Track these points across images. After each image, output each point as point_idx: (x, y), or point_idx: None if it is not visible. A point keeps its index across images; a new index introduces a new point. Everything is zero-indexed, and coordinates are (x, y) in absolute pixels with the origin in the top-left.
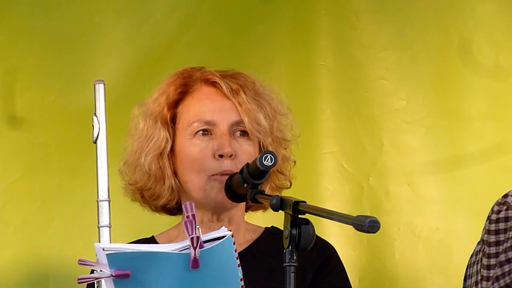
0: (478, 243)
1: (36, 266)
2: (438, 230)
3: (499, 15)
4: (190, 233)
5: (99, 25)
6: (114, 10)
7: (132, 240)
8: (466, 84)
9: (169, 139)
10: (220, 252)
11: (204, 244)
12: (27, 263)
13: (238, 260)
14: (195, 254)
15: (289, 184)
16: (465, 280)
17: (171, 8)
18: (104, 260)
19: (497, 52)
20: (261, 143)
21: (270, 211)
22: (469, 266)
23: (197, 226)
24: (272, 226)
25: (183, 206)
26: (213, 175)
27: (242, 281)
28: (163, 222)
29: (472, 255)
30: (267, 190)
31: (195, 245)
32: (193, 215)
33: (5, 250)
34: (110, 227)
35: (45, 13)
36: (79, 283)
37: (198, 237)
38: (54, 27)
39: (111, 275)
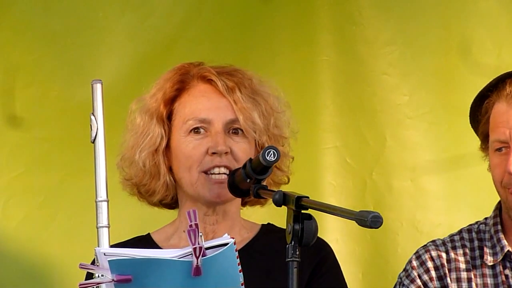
0: None
1: (39, 261)
2: (440, 226)
3: (502, 11)
4: (193, 243)
5: (102, 21)
6: (117, 6)
7: (129, 238)
8: (469, 80)
9: (164, 135)
10: (222, 260)
11: (207, 252)
12: (30, 257)
13: (240, 266)
14: (197, 263)
15: (287, 179)
16: None
17: (174, 3)
18: (106, 265)
19: (499, 48)
20: (256, 141)
21: (268, 206)
22: None
23: (200, 234)
24: (268, 223)
25: (186, 214)
26: (205, 171)
27: (243, 286)
28: (162, 218)
29: None
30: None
31: (197, 254)
32: (196, 224)
33: (7, 245)
34: (109, 227)
35: (47, 8)
36: None
37: (201, 248)
38: (56, 22)
39: (113, 280)
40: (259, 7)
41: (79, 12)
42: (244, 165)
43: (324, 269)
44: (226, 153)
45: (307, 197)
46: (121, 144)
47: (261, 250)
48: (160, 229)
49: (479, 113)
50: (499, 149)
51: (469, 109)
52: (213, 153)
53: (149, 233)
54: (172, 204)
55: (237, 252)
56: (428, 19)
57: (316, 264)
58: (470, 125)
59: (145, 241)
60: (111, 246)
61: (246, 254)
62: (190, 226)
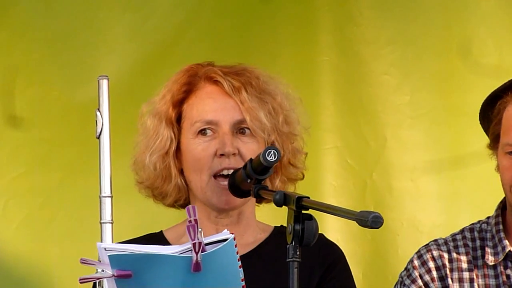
0: None
1: (40, 261)
2: (441, 226)
3: (503, 11)
4: (193, 238)
5: (103, 21)
6: (118, 6)
7: (139, 236)
8: (470, 80)
9: (173, 138)
10: (221, 255)
11: (206, 247)
12: (31, 258)
13: (240, 261)
14: (197, 258)
15: (302, 176)
16: None
17: (175, 4)
18: (106, 260)
19: (500, 49)
20: (265, 140)
21: (272, 206)
22: None
23: (200, 230)
24: (281, 226)
25: (186, 210)
26: (215, 174)
27: (243, 282)
28: (167, 217)
29: None
30: (277, 183)
31: (197, 250)
32: (196, 220)
33: (8, 245)
34: (112, 223)
35: (47, 8)
36: (81, 283)
37: (200, 243)
38: (56, 22)
39: (113, 275)
40: (259, 7)
41: (80, 12)
42: (245, 166)
43: (335, 272)
44: (234, 154)
45: (308, 198)
46: (133, 147)
47: (272, 252)
48: (173, 227)
49: (491, 113)
50: (510, 153)
51: (469, 109)
52: (221, 154)
53: (161, 231)
54: (187, 204)
55: (237, 248)
56: (429, 19)
57: (328, 266)
58: (474, 124)
59: (157, 239)
60: (122, 243)
61: (257, 256)
62: (189, 221)
